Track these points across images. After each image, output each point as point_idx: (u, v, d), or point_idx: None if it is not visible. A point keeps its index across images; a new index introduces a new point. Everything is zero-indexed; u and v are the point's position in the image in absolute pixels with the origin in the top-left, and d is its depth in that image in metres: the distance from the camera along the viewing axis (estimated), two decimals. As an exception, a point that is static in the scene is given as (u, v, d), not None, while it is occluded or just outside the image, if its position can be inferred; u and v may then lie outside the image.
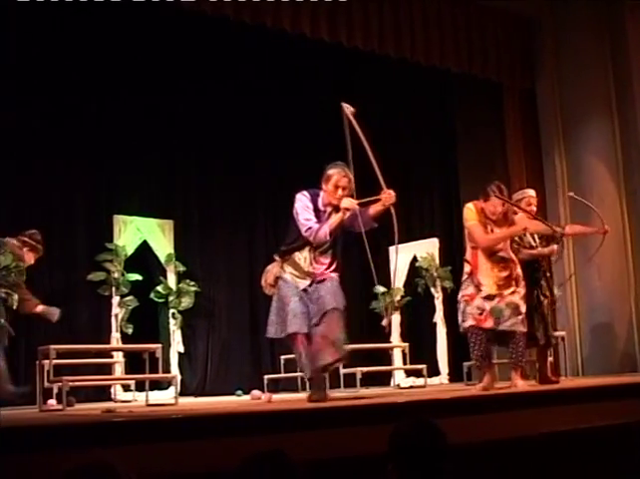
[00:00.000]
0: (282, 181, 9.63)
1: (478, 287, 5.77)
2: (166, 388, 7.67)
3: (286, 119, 9.56)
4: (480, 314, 5.73)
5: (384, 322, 5.14)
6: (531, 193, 6.59)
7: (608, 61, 8.77)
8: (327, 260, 5.24)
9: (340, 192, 5.18)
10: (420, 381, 8.15)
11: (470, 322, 5.77)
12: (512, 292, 5.75)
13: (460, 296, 5.92)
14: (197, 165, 9.38)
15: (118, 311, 7.97)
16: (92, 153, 8.45)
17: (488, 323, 5.70)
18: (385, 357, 8.75)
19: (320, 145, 9.64)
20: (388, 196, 5.05)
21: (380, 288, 9.33)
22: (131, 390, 7.24)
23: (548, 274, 6.59)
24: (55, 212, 8.25)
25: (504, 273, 5.77)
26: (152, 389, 6.59)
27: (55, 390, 6.25)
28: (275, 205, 9.69)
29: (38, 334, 7.63)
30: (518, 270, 5.88)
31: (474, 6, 8.86)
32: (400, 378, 8.63)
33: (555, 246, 6.54)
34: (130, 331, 7.95)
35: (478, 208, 5.83)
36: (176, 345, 8.47)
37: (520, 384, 5.75)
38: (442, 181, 10.56)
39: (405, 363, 8.59)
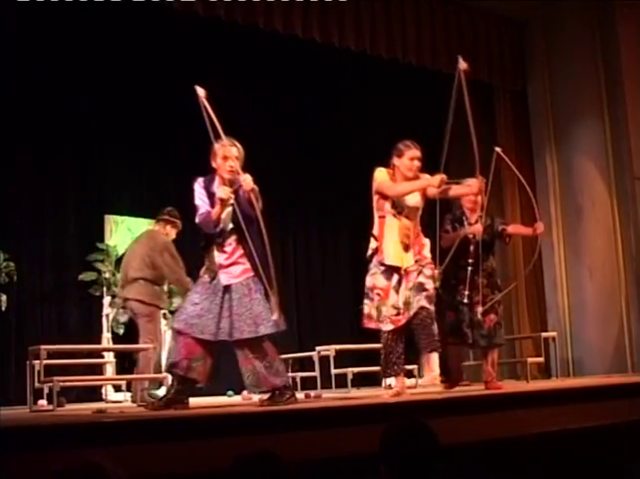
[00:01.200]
0: (272, 181, 9.62)
1: (384, 266, 5.24)
2: (158, 389, 7.65)
3: (278, 119, 9.56)
4: (397, 315, 5.26)
5: (274, 317, 4.81)
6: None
7: (599, 62, 8.80)
8: (229, 248, 4.80)
9: (231, 162, 4.95)
10: (411, 382, 8.15)
11: (389, 327, 5.28)
12: (417, 271, 5.24)
13: (369, 284, 5.32)
14: (188, 165, 9.35)
15: (109, 311, 7.95)
16: (83, 153, 8.43)
17: (405, 317, 5.25)
18: (376, 357, 8.75)
19: (314, 144, 9.67)
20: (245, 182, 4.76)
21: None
22: (122, 391, 7.22)
23: (483, 270, 5.92)
24: (46, 211, 8.23)
25: (407, 242, 5.28)
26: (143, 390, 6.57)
27: (45, 391, 6.22)
28: (267, 205, 9.68)
29: (28, 334, 7.61)
30: (425, 252, 5.37)
31: (465, 7, 8.89)
32: (391, 379, 8.63)
33: (480, 226, 5.92)
34: (121, 331, 7.93)
35: (389, 172, 5.45)
36: (168, 346, 8.45)
37: (429, 378, 5.36)
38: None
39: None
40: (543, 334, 8.19)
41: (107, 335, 7.89)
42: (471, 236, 5.91)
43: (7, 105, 7.54)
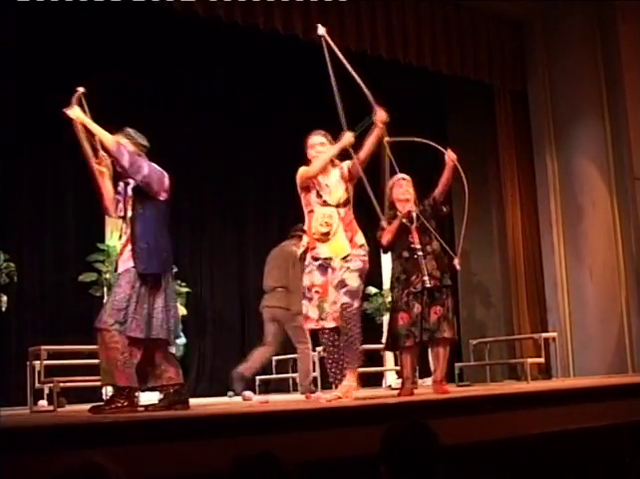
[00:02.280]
0: (272, 180, 9.64)
1: (318, 261, 5.09)
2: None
3: (277, 119, 9.56)
4: (335, 312, 5.04)
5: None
6: (401, 175, 5.89)
7: (599, 62, 8.80)
8: (124, 237, 4.84)
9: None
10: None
11: (332, 324, 5.09)
12: (342, 268, 5.02)
13: (307, 282, 5.16)
14: (187, 165, 9.37)
15: (109, 312, 7.94)
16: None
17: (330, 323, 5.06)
18: (376, 358, 8.76)
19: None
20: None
21: (372, 289, 9.34)
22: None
23: (428, 254, 5.70)
24: (46, 212, 8.24)
25: (326, 229, 5.07)
26: (143, 390, 6.56)
27: (46, 391, 6.23)
28: (265, 205, 9.71)
29: (29, 335, 7.61)
30: (357, 239, 5.13)
31: (465, 8, 8.89)
32: (391, 379, 8.64)
33: (412, 209, 5.77)
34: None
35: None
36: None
37: (344, 390, 4.93)
38: (433, 181, 10.59)
39: (396, 364, 8.60)
40: (544, 335, 8.19)
41: (107, 336, 7.88)
42: (407, 223, 5.75)
43: (7, 105, 7.54)
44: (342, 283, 5.03)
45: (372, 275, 9.83)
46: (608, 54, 8.75)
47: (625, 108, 8.56)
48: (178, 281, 8.64)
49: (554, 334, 8.30)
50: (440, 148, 5.91)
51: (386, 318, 9.52)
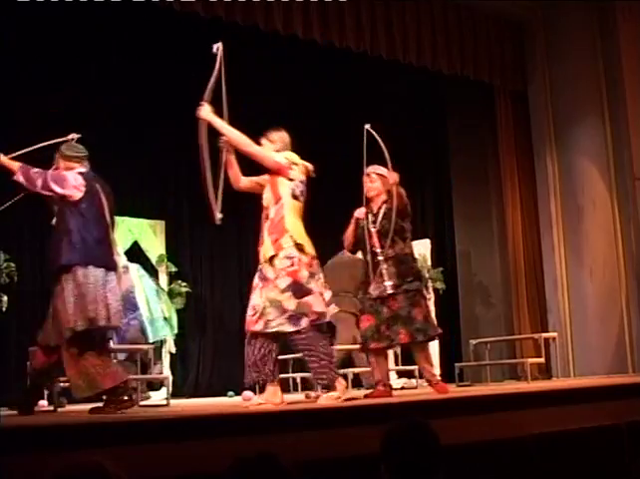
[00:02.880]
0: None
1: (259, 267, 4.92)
2: (158, 389, 7.66)
3: (276, 117, 9.54)
4: (252, 316, 4.86)
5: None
6: (366, 170, 5.73)
7: (599, 63, 8.80)
8: None
9: None
10: (412, 382, 8.16)
11: (247, 327, 4.95)
12: (274, 283, 4.74)
13: None
14: (189, 165, 9.36)
15: (109, 312, 7.93)
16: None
17: (258, 326, 4.81)
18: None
19: (312, 146, 9.66)
20: None
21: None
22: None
23: (390, 258, 5.47)
24: (46, 212, 8.22)
25: (261, 234, 4.95)
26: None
27: (46, 391, 6.22)
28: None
29: (29, 335, 7.60)
30: (284, 241, 4.80)
31: (465, 8, 8.89)
32: (392, 379, 8.62)
33: (361, 208, 5.62)
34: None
35: None
36: (168, 346, 8.46)
37: (324, 398, 4.85)
38: (434, 182, 10.61)
39: (397, 364, 8.59)
40: (544, 335, 8.19)
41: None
42: (370, 226, 5.57)
43: (6, 105, 7.53)
44: (281, 309, 4.73)
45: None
46: (608, 54, 8.75)
47: (625, 108, 8.56)
48: (179, 282, 8.66)
49: (554, 334, 8.29)
50: (387, 167, 5.68)
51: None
